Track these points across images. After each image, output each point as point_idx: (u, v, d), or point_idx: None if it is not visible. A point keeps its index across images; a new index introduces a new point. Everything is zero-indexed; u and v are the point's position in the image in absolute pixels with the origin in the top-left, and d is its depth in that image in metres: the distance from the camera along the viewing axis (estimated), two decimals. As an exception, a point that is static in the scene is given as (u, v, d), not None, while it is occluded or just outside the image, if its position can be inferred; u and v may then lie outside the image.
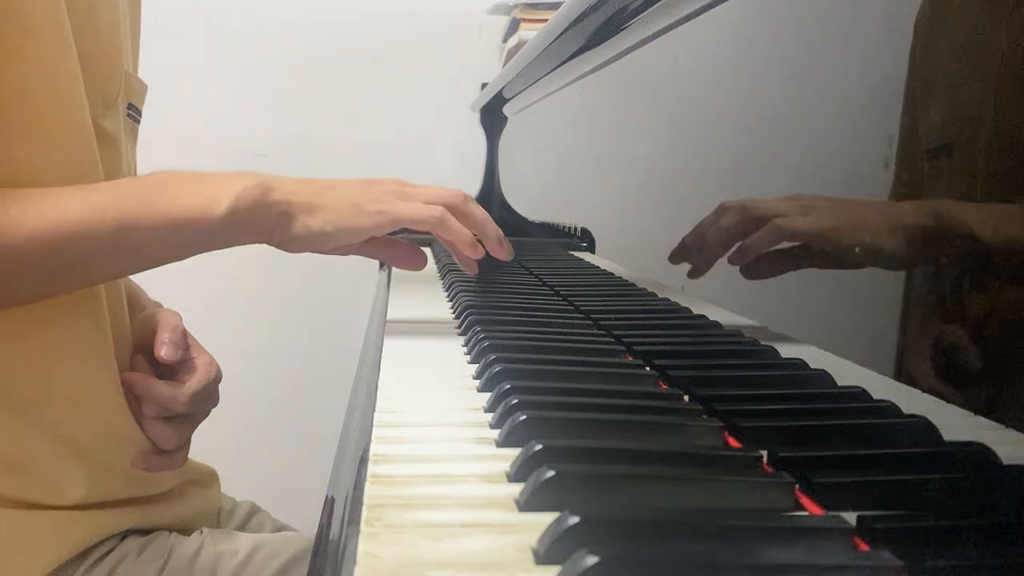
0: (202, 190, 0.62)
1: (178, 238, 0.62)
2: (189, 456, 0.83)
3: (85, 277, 0.62)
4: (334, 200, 0.63)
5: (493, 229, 0.68)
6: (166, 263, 0.68)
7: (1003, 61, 0.36)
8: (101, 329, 0.67)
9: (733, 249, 0.57)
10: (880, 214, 0.42)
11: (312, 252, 0.65)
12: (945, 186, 0.40)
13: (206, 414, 0.76)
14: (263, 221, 0.62)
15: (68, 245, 0.58)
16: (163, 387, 0.70)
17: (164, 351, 0.72)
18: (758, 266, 0.54)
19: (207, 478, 0.84)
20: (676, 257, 0.66)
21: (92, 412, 0.67)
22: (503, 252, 0.69)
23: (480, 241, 0.69)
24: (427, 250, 1.37)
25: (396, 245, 0.69)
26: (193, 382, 0.72)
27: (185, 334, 0.77)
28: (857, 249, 0.44)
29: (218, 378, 0.76)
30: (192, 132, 1.66)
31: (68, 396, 0.66)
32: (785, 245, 0.52)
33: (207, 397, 0.74)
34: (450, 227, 0.65)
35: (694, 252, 0.63)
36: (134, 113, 0.76)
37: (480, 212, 0.68)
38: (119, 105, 0.71)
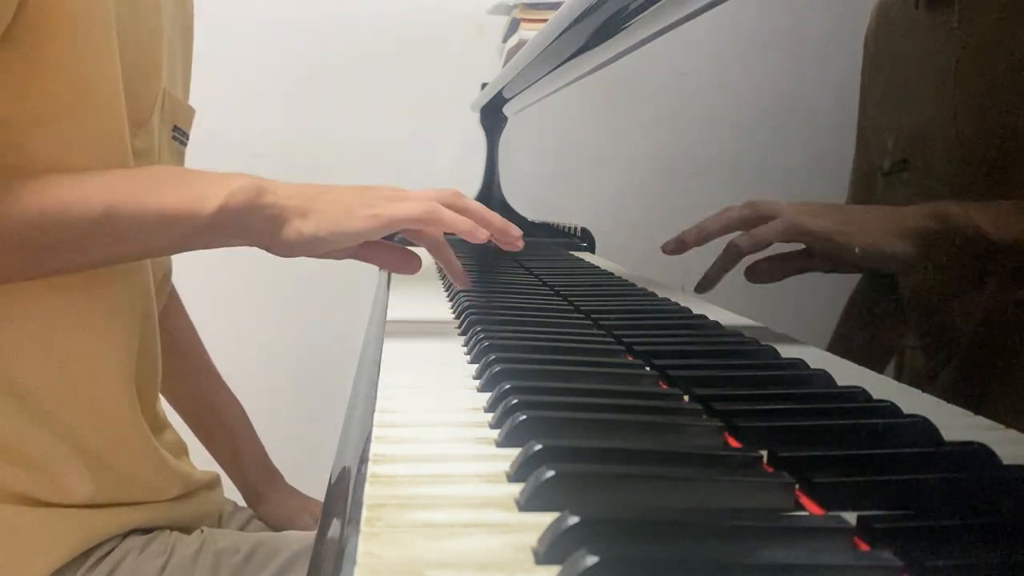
0: (193, 186, 0.62)
1: (164, 231, 0.61)
2: (191, 463, 0.84)
3: (70, 260, 0.62)
4: (327, 204, 0.63)
5: (496, 217, 0.66)
6: (153, 256, 0.68)
7: (956, 76, 0.36)
8: (122, 342, 0.68)
9: (740, 246, 0.56)
10: (887, 218, 0.42)
11: (304, 256, 0.64)
12: (899, 202, 0.41)
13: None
14: (254, 223, 0.62)
15: (52, 226, 0.59)
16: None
17: None
18: (760, 267, 0.54)
19: (210, 482, 0.84)
20: (671, 247, 0.64)
21: (104, 420, 0.68)
22: (512, 237, 0.66)
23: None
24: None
25: (390, 249, 0.69)
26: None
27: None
28: (859, 251, 0.44)
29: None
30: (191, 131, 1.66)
31: (81, 401, 0.66)
32: (789, 248, 0.51)
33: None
34: (444, 218, 0.63)
35: (692, 242, 0.62)
36: (180, 136, 0.78)
37: (476, 204, 0.66)
38: (153, 124, 0.72)
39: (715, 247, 0.69)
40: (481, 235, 0.65)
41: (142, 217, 0.60)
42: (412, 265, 0.70)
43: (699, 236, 0.59)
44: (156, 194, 0.61)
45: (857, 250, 0.44)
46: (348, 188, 0.65)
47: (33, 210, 0.58)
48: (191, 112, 0.81)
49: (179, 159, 0.81)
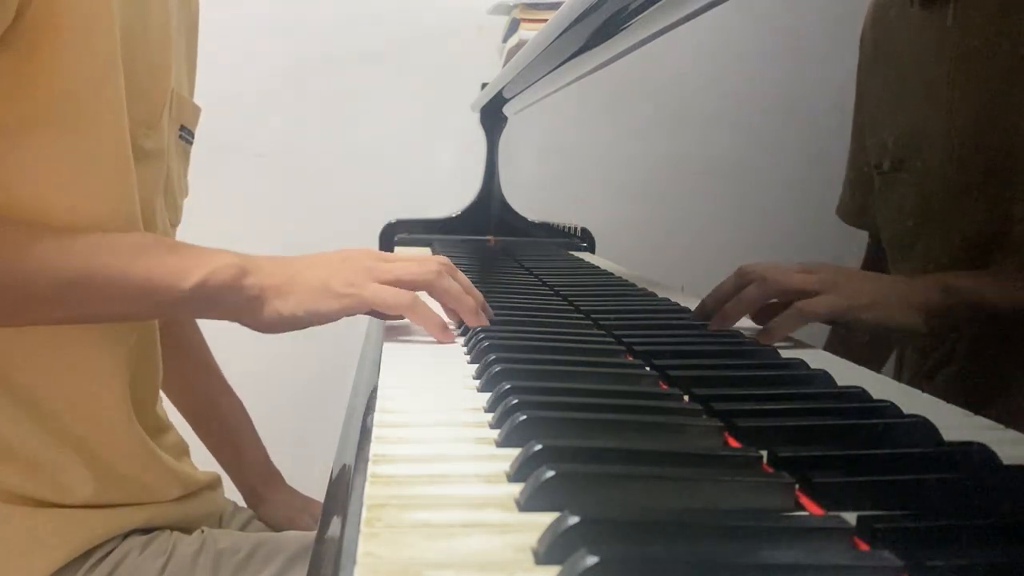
0: (176, 259, 0.62)
1: (141, 300, 0.62)
2: (192, 463, 0.84)
3: (46, 315, 0.62)
4: (305, 283, 0.64)
5: (468, 302, 0.67)
6: (129, 320, 0.69)
7: (951, 74, 0.37)
8: (117, 344, 0.68)
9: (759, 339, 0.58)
10: (895, 292, 0.43)
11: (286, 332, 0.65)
12: (897, 200, 0.41)
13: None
14: (233, 302, 0.63)
15: (30, 280, 0.59)
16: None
17: None
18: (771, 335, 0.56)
19: (211, 483, 0.84)
20: (700, 314, 0.67)
21: (100, 422, 0.68)
22: (481, 321, 0.68)
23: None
24: (427, 250, 1.37)
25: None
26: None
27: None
28: (871, 326, 0.46)
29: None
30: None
31: (77, 403, 0.67)
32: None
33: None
34: (420, 314, 0.65)
35: (716, 325, 0.64)
36: (186, 135, 0.78)
37: (455, 287, 0.67)
38: (163, 125, 0.72)
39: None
40: (447, 337, 0.66)
41: (120, 284, 0.61)
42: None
43: (723, 322, 0.61)
44: (137, 263, 0.61)
45: (871, 326, 0.46)
46: (329, 260, 0.66)
47: (11, 262, 0.58)
48: (197, 111, 0.81)
49: (185, 158, 0.81)
